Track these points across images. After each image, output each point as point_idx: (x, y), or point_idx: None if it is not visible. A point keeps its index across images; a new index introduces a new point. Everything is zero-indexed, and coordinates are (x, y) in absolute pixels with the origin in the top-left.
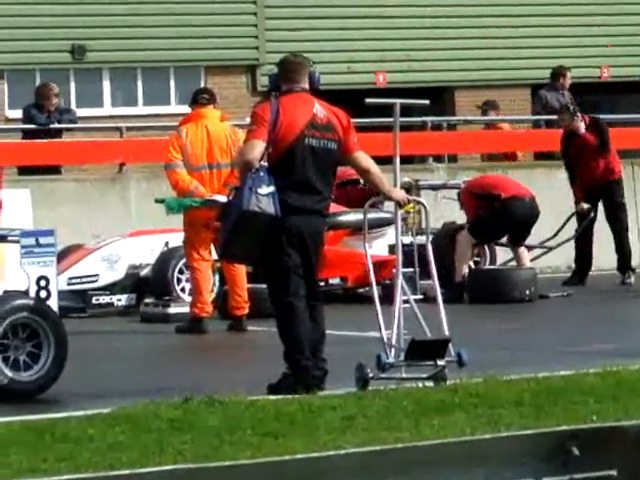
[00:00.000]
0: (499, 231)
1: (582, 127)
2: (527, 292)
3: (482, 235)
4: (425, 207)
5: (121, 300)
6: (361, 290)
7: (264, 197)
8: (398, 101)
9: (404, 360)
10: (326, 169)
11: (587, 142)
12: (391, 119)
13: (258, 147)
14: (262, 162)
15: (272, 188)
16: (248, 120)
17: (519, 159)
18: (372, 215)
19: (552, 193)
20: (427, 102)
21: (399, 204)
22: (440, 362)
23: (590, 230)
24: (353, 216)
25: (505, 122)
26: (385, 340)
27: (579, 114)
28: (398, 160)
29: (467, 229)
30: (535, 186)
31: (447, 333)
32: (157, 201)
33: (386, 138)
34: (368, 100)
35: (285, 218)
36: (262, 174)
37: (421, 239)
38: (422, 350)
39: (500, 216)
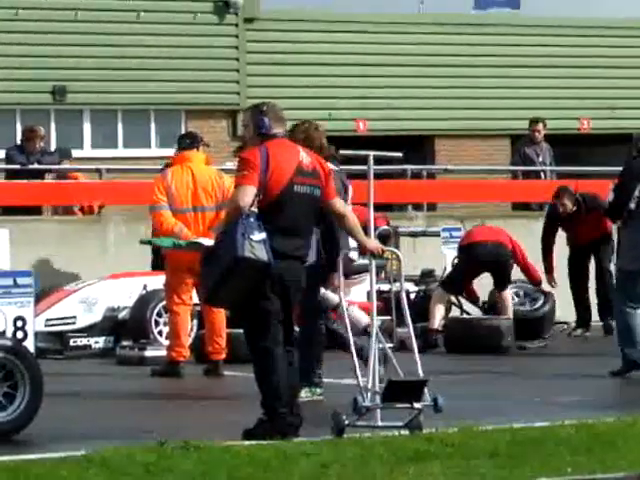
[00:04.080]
0: (463, 277)
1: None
2: (503, 342)
3: (450, 286)
4: (399, 258)
5: (98, 342)
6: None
7: (257, 243)
8: (372, 153)
9: (381, 402)
10: (310, 215)
11: (579, 218)
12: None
13: (250, 193)
14: (252, 208)
15: (264, 234)
16: (228, 165)
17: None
18: None
19: (530, 242)
20: (400, 155)
21: (373, 254)
22: (417, 405)
23: (585, 281)
24: None
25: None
26: (361, 384)
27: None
28: (372, 210)
29: (439, 284)
30: (514, 235)
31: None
32: (142, 242)
33: (365, 186)
34: (342, 152)
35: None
36: (252, 220)
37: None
38: (399, 391)
39: (462, 262)
